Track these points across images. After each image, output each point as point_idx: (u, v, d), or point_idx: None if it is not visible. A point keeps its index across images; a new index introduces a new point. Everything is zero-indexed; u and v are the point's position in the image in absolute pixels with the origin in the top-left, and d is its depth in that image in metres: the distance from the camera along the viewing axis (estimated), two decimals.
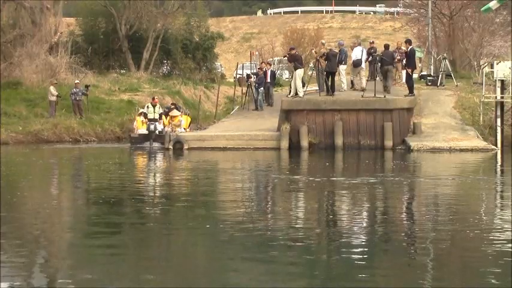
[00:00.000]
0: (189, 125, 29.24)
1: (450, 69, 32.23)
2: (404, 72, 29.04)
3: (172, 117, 28.22)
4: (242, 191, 16.15)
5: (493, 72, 26.64)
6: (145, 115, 28.39)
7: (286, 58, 29.97)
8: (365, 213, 12.70)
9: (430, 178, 17.74)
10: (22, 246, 9.91)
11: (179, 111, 29.26)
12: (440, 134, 25.20)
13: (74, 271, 8.54)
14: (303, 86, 26.79)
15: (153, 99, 29.46)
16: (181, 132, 27.14)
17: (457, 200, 14.29)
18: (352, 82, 27.91)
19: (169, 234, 10.85)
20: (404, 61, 28.37)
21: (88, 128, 31.90)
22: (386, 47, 28.27)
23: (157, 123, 27.79)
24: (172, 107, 29.55)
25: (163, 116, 28.40)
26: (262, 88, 29.99)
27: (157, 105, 28.70)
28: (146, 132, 27.69)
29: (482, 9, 30.29)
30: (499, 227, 11.16)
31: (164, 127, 27.71)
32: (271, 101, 30.12)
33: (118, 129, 32.92)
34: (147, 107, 28.83)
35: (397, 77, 30.86)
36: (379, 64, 26.78)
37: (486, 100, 26.48)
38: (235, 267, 8.75)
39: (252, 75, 31.35)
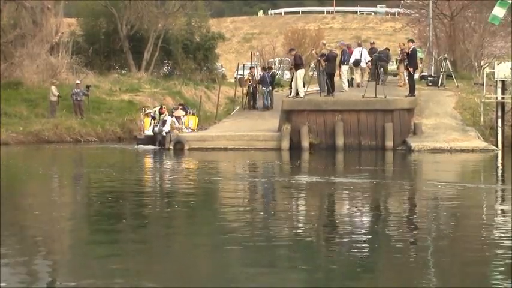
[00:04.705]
0: (197, 126, 29.02)
1: (451, 70, 32.20)
2: (405, 72, 29.10)
3: (177, 117, 27.94)
4: (243, 191, 16.15)
5: (493, 72, 26.61)
6: (153, 117, 28.17)
7: (288, 59, 30.06)
8: (365, 214, 12.70)
9: (430, 180, 17.74)
10: (22, 247, 9.92)
11: (186, 111, 29.10)
12: (441, 135, 25.18)
13: (74, 271, 8.55)
14: (303, 87, 26.77)
15: (161, 108, 29.01)
16: (183, 133, 27.04)
17: (457, 201, 14.27)
18: (350, 81, 28.83)
19: (170, 234, 10.86)
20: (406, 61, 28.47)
21: (89, 128, 31.92)
22: (387, 49, 31.91)
23: (163, 126, 27.40)
24: (180, 107, 29.30)
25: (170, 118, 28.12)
26: (263, 88, 30.07)
27: (165, 114, 28.24)
28: (152, 133, 27.49)
29: (489, 19, 30.59)
30: (500, 227, 11.15)
31: (171, 129, 27.28)
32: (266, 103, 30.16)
33: (119, 129, 32.96)
34: (155, 112, 28.58)
35: (397, 78, 30.98)
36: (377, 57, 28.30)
37: (487, 101, 26.46)
38: (236, 267, 8.74)
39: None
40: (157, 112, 28.52)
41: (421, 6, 42.23)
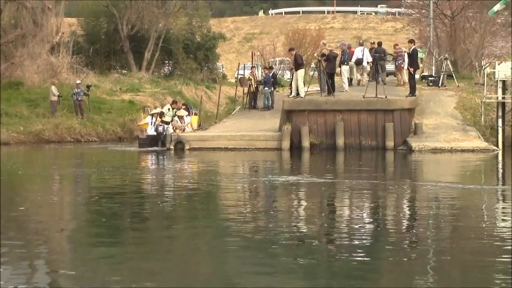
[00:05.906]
0: (199, 125, 28.92)
1: (451, 70, 32.24)
2: (405, 72, 29.15)
3: (180, 117, 27.76)
4: (243, 191, 16.14)
5: (494, 72, 26.62)
6: (161, 115, 27.77)
7: (288, 59, 30.22)
8: (366, 215, 12.69)
9: (430, 180, 17.73)
10: (23, 246, 9.92)
11: (189, 111, 29.01)
12: (441, 135, 25.18)
13: (74, 271, 8.55)
14: (304, 86, 26.78)
15: (175, 102, 28.43)
16: (185, 132, 27.00)
17: (458, 201, 14.27)
18: (350, 80, 29.09)
19: (169, 234, 10.86)
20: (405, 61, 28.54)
21: (89, 128, 31.96)
22: (379, 44, 31.54)
23: (168, 125, 27.26)
24: (183, 107, 29.17)
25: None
26: (266, 88, 30.22)
27: (175, 110, 27.78)
28: (155, 133, 27.16)
29: (490, 13, 31.35)
30: (500, 228, 11.15)
31: (173, 129, 27.10)
32: (268, 103, 30.36)
33: (119, 129, 32.98)
34: (168, 109, 27.93)
35: (396, 80, 31.09)
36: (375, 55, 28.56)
37: (487, 101, 26.46)
38: (236, 267, 8.75)
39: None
40: (170, 109, 27.76)
41: (422, 6, 42.31)
